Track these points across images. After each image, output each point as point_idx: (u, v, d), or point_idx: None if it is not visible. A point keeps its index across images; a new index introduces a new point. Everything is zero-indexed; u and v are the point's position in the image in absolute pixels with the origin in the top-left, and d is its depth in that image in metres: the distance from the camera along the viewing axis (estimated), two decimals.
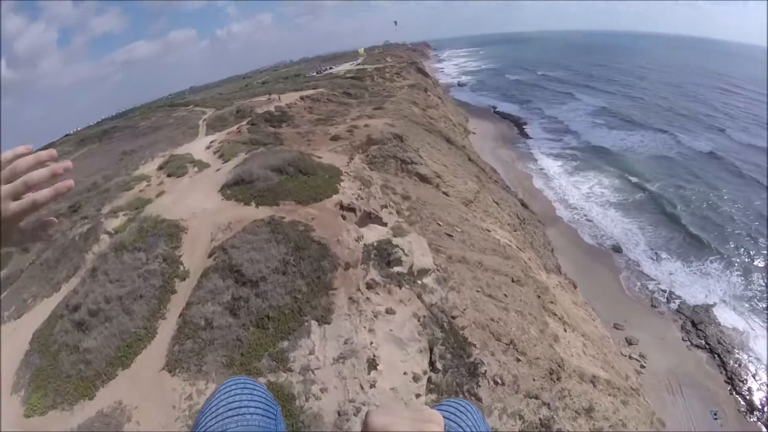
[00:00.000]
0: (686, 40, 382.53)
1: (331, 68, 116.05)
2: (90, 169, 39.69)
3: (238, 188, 16.99)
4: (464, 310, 15.35)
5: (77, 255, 18.99)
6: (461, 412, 1.38)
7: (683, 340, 29.45)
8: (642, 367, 26.73)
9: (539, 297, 21.35)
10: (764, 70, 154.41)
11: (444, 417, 1.12)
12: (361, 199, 16.39)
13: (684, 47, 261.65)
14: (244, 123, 42.71)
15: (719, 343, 28.30)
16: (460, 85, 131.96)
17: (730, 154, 62.15)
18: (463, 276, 17.19)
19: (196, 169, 25.74)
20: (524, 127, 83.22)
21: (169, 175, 26.10)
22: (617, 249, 41.02)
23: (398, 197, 21.02)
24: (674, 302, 33.16)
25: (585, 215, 49.84)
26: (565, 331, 21.92)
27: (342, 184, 17.25)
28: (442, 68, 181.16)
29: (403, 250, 14.84)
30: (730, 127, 74.68)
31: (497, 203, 34.92)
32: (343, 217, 15.05)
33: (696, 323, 30.43)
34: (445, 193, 28.84)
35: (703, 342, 28.68)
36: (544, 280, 23.38)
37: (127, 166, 36.32)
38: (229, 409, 1.31)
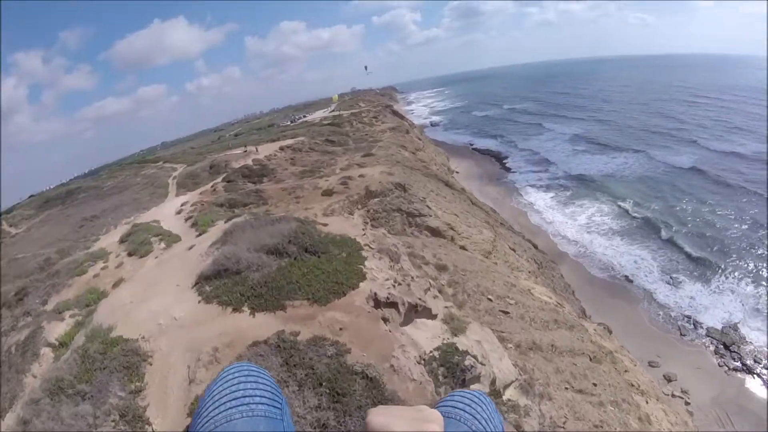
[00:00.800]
0: (640, 58, 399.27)
1: (305, 116, 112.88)
2: (47, 239, 34.28)
3: (220, 283, 11.77)
4: (564, 423, 10.48)
5: (14, 377, 13.52)
6: (475, 403, 1.30)
7: (720, 366, 27.13)
8: (687, 403, 23.90)
9: (616, 369, 16.53)
10: (716, 76, 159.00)
11: (459, 408, 1.21)
12: (399, 284, 11.41)
13: (639, 66, 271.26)
14: (219, 180, 37.62)
15: (756, 361, 26.42)
16: (432, 125, 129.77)
17: (712, 165, 60.78)
18: (545, 371, 12.28)
19: (163, 245, 20.43)
20: (505, 161, 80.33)
21: (130, 254, 20.70)
22: (630, 279, 37.65)
23: (431, 268, 16.07)
24: (701, 327, 30.74)
25: (589, 247, 46.08)
26: (647, 402, 17.10)
27: (367, 263, 12.25)
28: (412, 110, 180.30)
29: (475, 357, 9.85)
30: (705, 138, 73.76)
31: (514, 250, 30.42)
32: (385, 320, 10.01)
33: (728, 345, 28.22)
34: (463, 247, 24.14)
35: (739, 364, 26.63)
36: (607, 345, 18.56)
37: (87, 237, 30.73)
38: (233, 398, 1.19)
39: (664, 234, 45.40)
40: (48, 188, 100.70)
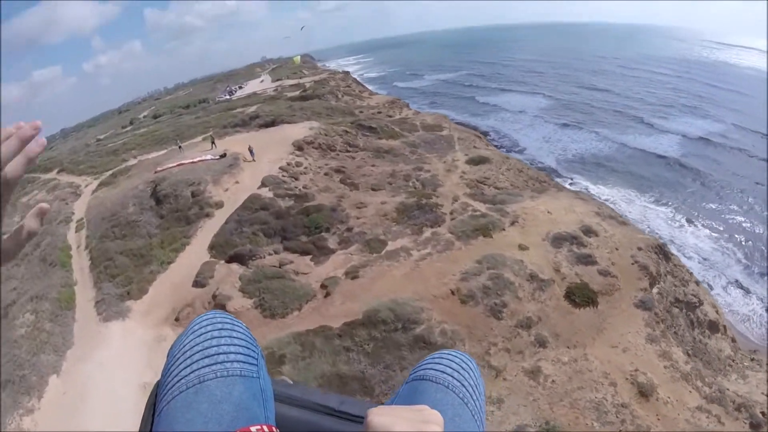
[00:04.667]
0: (548, 26, 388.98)
1: (240, 87, 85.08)
2: None
3: None
4: None
5: None
6: (463, 368, 1.17)
7: None
8: None
9: None
10: (637, 46, 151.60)
11: (447, 374, 1.11)
12: None
13: (551, 34, 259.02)
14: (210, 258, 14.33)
15: None
16: None
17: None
18: None
19: None
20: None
21: None
22: None
23: None
24: None
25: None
26: None
27: None
28: None
29: None
30: (672, 116, 60.54)
31: None
32: None
33: None
34: None
35: None
36: None
37: None
38: (206, 356, 1.02)
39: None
40: None
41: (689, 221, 33.09)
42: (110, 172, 32.08)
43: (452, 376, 1.12)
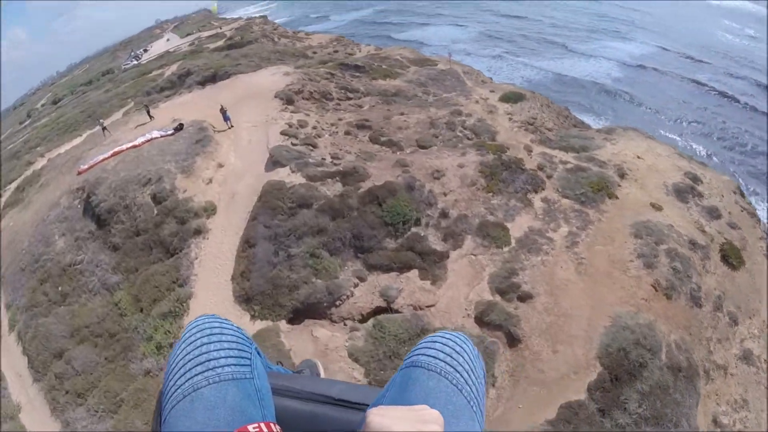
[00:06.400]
0: None
1: (146, 50, 71.03)
2: None
3: None
4: None
5: None
6: (457, 352, 1.08)
7: None
8: None
9: None
10: None
11: (439, 359, 1.04)
12: None
13: None
14: None
15: None
16: None
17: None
18: None
19: None
20: None
21: None
22: None
23: None
24: None
25: None
26: None
27: None
28: None
29: None
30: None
31: None
32: None
33: None
34: None
35: None
36: None
37: None
38: (198, 363, 1.03)
39: None
40: None
41: None
42: (15, 184, 22.69)
43: (445, 362, 1.05)
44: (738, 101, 41.26)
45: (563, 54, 54.82)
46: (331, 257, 12.03)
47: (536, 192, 14.57)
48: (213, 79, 27.33)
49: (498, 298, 11.37)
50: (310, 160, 14.74)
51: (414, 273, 12.14)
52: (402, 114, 19.22)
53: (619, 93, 44.25)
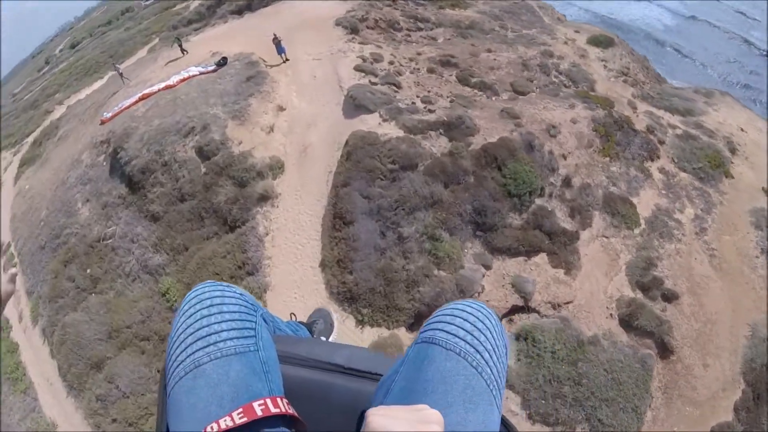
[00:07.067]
0: None
1: None
2: None
3: None
4: None
5: None
6: (479, 329, 0.94)
7: None
8: None
9: None
10: None
11: (459, 337, 0.92)
12: None
13: None
14: None
15: None
16: None
17: None
18: None
19: None
20: None
21: None
22: None
23: None
24: None
25: None
26: None
27: None
28: None
29: None
30: None
31: None
32: None
33: None
34: None
35: None
36: None
37: None
38: (198, 338, 0.95)
39: None
40: None
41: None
42: (32, 137, 19.64)
43: (465, 340, 0.93)
44: None
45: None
46: (448, 236, 8.66)
47: (652, 160, 12.20)
48: (249, 7, 23.23)
49: (640, 294, 9.11)
50: (401, 105, 11.17)
51: (543, 258, 9.31)
52: (489, 51, 15.65)
53: (668, 43, 39.51)
